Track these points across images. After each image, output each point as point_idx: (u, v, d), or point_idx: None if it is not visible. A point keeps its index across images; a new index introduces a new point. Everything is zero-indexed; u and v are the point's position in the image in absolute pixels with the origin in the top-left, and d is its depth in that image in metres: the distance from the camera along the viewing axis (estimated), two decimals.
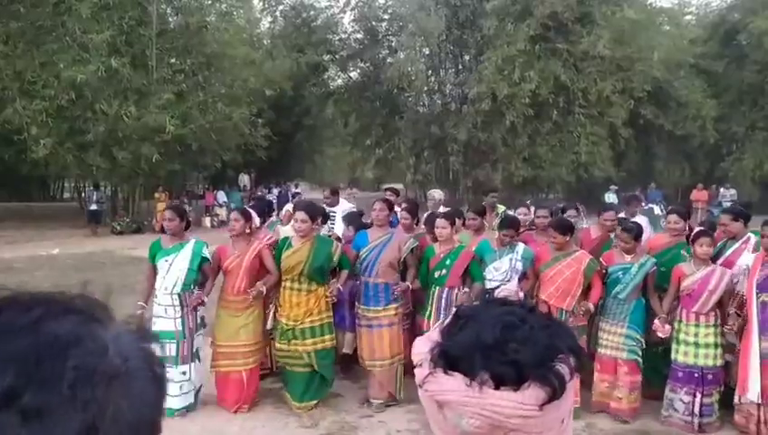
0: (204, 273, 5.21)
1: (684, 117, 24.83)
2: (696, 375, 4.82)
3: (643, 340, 5.04)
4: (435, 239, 5.72)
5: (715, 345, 4.81)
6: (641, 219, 6.04)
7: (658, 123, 24.64)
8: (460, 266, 5.28)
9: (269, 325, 5.39)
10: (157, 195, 20.03)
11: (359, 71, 28.96)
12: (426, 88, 26.21)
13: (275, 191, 23.92)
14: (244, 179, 27.15)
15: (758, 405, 4.56)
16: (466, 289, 5.20)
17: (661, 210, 20.13)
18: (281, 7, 29.31)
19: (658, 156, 27.43)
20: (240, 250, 5.21)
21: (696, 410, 4.81)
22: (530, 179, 24.06)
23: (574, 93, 22.71)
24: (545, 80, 22.04)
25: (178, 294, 5.03)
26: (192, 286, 5.09)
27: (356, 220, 6.36)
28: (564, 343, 0.86)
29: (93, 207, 19.03)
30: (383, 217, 5.41)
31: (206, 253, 5.17)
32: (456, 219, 5.78)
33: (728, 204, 22.28)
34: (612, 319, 5.10)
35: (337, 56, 28.71)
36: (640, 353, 5.02)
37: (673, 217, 5.71)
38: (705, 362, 4.80)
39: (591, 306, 5.04)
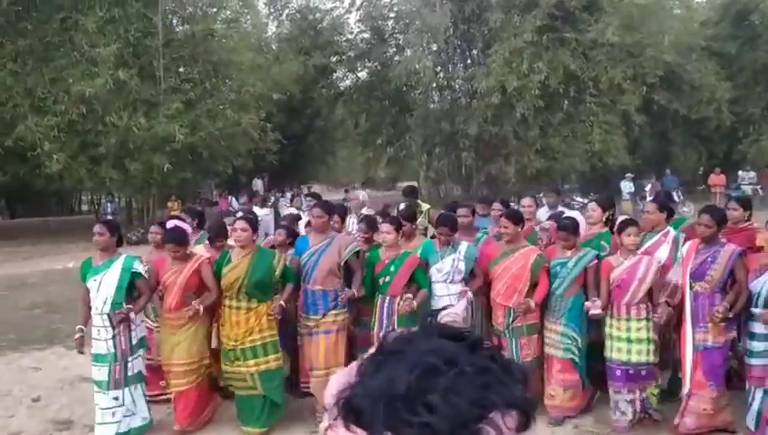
0: (139, 288, 4.85)
1: (698, 101, 24.51)
2: (630, 372, 4.63)
3: (579, 338, 4.83)
4: (367, 241, 5.54)
5: (648, 341, 4.61)
6: (574, 213, 5.94)
7: (673, 108, 24.33)
8: (405, 274, 5.03)
9: (214, 344, 5.11)
10: (170, 204, 20.14)
11: (367, 70, 28.90)
12: (434, 84, 26.08)
13: (288, 195, 23.92)
14: (258, 184, 27.20)
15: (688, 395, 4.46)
16: (409, 295, 4.93)
17: (678, 197, 19.96)
18: (286, 11, 29.40)
19: (674, 141, 27.05)
20: (178, 266, 4.89)
21: (638, 407, 4.65)
22: (543, 171, 23.80)
23: (585, 82, 22.46)
24: (554, 70, 21.81)
25: (108, 315, 4.67)
26: (123, 305, 4.71)
27: (291, 225, 6.13)
28: (502, 395, 0.68)
29: (108, 218, 19.16)
30: (321, 224, 5.07)
31: (140, 268, 4.81)
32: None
33: (747, 187, 21.97)
34: (552, 317, 4.93)
35: (344, 57, 28.70)
36: (576, 353, 4.82)
37: (591, 205, 5.60)
38: (639, 358, 4.60)
39: (532, 304, 4.85)
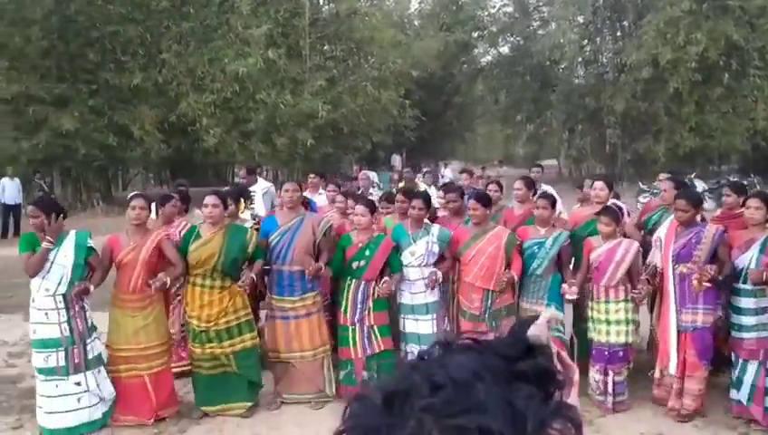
0: (90, 265, 4.45)
1: None
2: (605, 353, 4.69)
3: (562, 315, 4.91)
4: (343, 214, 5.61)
5: (626, 322, 4.66)
6: (549, 188, 5.72)
7: None
8: (381, 257, 4.84)
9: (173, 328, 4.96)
10: (311, 177, 21.10)
11: (508, 45, 28.41)
12: (579, 58, 25.08)
13: (424, 171, 24.14)
14: (396, 160, 27.70)
15: (677, 378, 4.52)
16: (387, 278, 4.79)
17: None
18: None
19: None
20: (137, 241, 4.50)
21: (610, 388, 4.69)
22: (698, 150, 22.23)
23: (749, 54, 20.54)
24: (714, 41, 20.11)
25: (63, 295, 4.28)
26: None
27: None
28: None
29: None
30: (295, 199, 4.87)
31: (92, 243, 4.46)
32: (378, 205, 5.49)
33: None
34: (531, 297, 4.92)
35: (486, 32, 28.30)
36: (562, 330, 4.80)
37: (598, 185, 5.31)
38: (617, 339, 4.66)
39: (515, 275, 4.78)
